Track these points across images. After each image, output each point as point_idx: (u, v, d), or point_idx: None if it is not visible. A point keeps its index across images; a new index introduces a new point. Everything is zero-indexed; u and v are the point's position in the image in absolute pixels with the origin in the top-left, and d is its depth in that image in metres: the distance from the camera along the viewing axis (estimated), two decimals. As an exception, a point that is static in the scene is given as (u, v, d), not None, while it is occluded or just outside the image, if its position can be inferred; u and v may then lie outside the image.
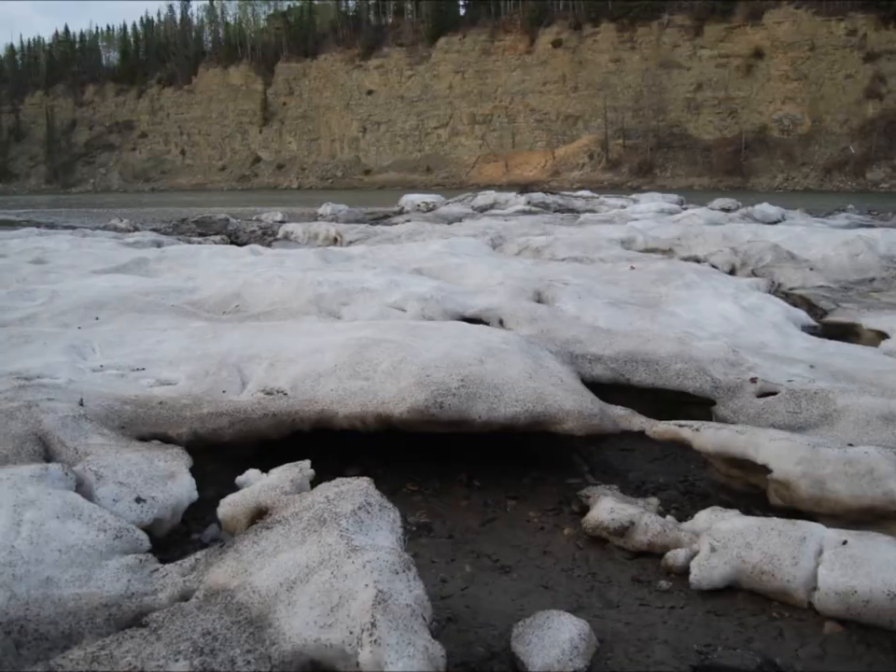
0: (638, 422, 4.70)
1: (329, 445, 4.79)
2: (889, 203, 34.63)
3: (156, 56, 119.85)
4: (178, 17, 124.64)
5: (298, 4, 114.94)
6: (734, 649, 2.96)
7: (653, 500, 4.24)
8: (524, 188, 38.65)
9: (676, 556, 3.53)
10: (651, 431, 4.58)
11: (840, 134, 72.59)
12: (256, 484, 3.67)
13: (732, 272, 11.06)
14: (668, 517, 3.92)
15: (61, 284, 8.44)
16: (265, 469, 3.84)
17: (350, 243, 15.50)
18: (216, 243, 16.63)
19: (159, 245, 14.94)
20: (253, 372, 5.35)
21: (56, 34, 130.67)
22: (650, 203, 24.63)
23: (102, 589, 2.85)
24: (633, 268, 9.76)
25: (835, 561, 3.15)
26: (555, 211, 25.44)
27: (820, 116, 74.48)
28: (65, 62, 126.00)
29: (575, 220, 20.49)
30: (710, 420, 4.93)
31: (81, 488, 3.52)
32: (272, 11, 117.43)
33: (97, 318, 6.82)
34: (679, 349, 5.79)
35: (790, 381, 5.19)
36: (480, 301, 7.27)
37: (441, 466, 4.80)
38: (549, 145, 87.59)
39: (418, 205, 27.39)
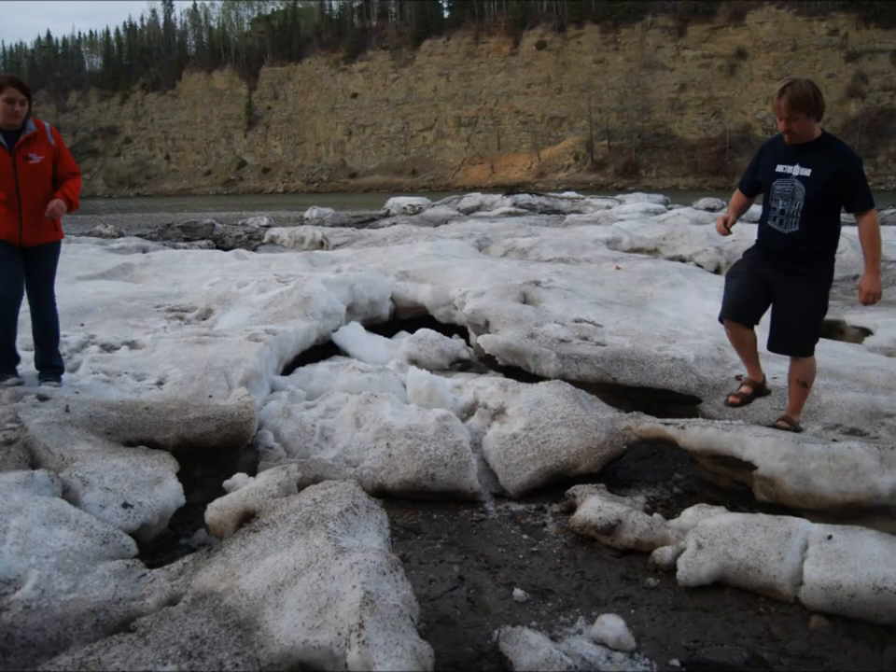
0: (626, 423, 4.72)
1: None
2: (872, 201, 34.84)
3: (139, 61, 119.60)
4: (161, 21, 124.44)
5: (281, 8, 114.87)
6: (721, 644, 2.98)
7: (640, 498, 4.25)
8: (509, 189, 38.69)
9: (663, 554, 3.54)
10: (637, 430, 4.59)
11: (823, 133, 73.03)
12: (243, 488, 3.67)
13: (717, 270, 11.12)
14: (655, 515, 3.93)
15: (45, 290, 8.39)
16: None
17: (336, 246, 15.48)
18: (201, 248, 16.58)
19: (144, 250, 14.89)
20: (239, 377, 5.34)
21: (38, 39, 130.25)
22: (635, 203, 24.71)
23: (89, 595, 2.84)
24: (618, 268, 9.79)
25: (821, 556, 3.18)
26: (541, 212, 25.50)
27: (803, 115, 74.88)
28: (48, 67, 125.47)
29: (561, 221, 20.53)
30: (697, 417, 4.95)
31: (68, 494, 3.51)
32: (255, 15, 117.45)
33: (82, 324, 6.79)
34: (664, 348, 5.81)
35: (774, 378, 5.22)
36: (466, 303, 7.28)
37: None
38: (534, 146, 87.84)
39: (404, 208, 27.43)
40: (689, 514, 3.81)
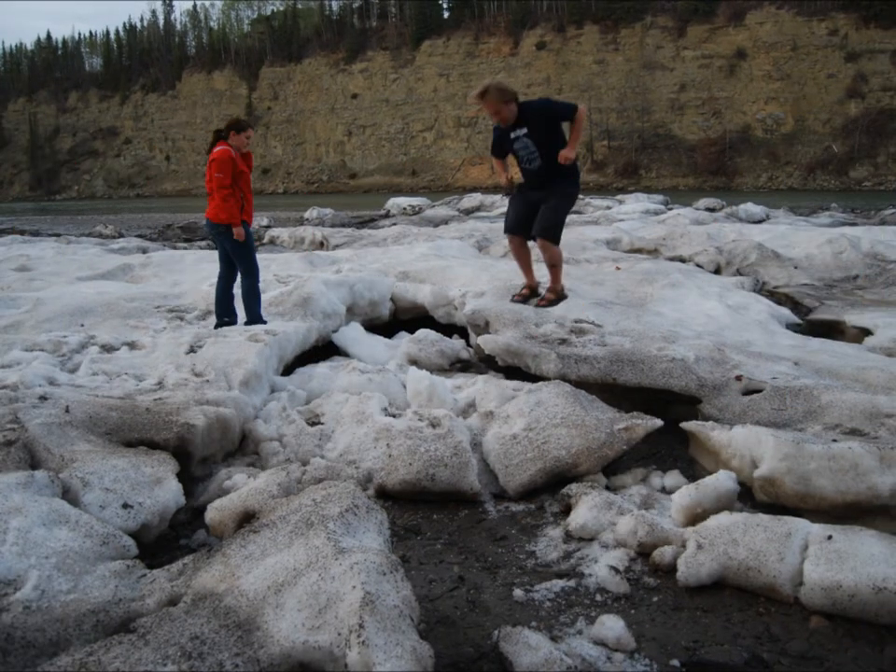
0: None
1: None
2: (871, 202, 34.90)
3: (139, 62, 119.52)
4: (161, 22, 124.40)
5: (281, 8, 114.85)
6: (721, 645, 2.98)
7: (638, 497, 4.25)
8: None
9: (663, 554, 3.54)
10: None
11: (823, 134, 73.12)
12: (243, 489, 3.67)
13: (717, 271, 11.10)
14: (654, 514, 3.93)
15: (45, 291, 8.40)
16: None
17: (336, 247, 15.48)
18: (201, 248, 16.58)
19: (144, 251, 14.91)
20: (239, 378, 5.34)
21: (38, 40, 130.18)
22: (635, 203, 24.67)
23: (89, 595, 2.84)
24: (618, 268, 9.79)
25: (821, 556, 3.17)
26: (541, 212, 25.38)
27: (803, 115, 74.99)
28: (48, 68, 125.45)
29: (561, 222, 20.45)
30: (697, 418, 4.96)
31: (68, 495, 3.51)
32: (255, 16, 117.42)
33: (82, 325, 6.79)
34: (664, 348, 5.81)
35: (774, 378, 5.22)
36: (466, 303, 7.28)
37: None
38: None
39: (404, 209, 27.43)
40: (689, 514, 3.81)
